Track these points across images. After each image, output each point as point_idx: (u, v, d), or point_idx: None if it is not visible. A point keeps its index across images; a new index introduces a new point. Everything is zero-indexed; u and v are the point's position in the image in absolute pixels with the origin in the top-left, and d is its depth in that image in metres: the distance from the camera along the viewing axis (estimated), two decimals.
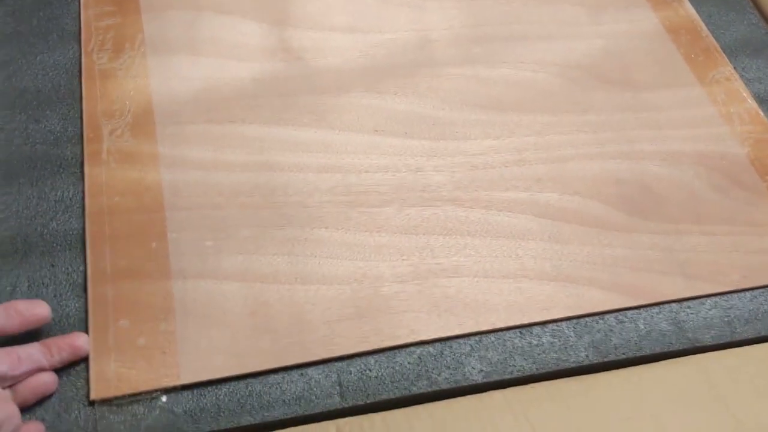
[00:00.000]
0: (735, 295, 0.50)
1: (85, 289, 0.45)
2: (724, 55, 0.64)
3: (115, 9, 0.59)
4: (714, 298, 0.50)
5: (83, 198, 0.49)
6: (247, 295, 0.46)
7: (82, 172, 0.50)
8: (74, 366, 0.43)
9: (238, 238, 0.48)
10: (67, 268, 0.46)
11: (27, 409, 0.41)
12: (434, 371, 0.45)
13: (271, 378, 0.44)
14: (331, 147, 0.54)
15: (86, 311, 0.44)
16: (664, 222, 0.53)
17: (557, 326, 0.48)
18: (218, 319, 0.45)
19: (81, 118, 0.52)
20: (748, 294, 0.50)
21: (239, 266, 0.47)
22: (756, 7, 0.69)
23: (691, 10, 0.67)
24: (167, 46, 0.57)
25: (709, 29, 0.66)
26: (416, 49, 0.60)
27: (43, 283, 0.45)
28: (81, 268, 0.46)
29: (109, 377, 0.42)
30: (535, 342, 0.47)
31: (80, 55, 0.56)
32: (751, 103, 0.61)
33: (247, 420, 0.42)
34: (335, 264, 0.48)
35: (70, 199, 0.49)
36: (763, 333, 0.49)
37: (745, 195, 0.55)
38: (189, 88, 0.55)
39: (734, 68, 0.63)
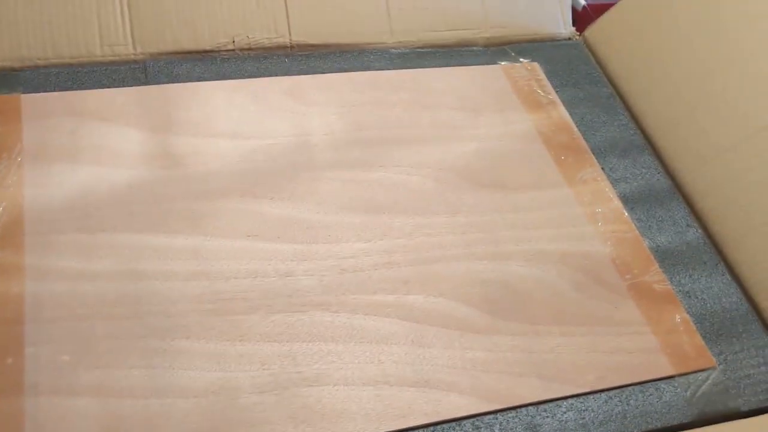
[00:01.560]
0: (590, 397, 0.52)
1: None
2: (592, 155, 0.68)
3: None
4: (570, 400, 0.52)
5: None
6: (100, 412, 0.46)
7: None
8: None
9: (97, 351, 0.48)
10: None
11: None
12: None
13: None
14: (201, 254, 0.55)
15: None
16: (525, 323, 0.55)
17: None
18: None
19: None
20: (603, 395, 0.52)
21: (95, 381, 0.47)
22: (626, 108, 0.73)
23: (564, 113, 0.71)
24: (46, 155, 0.58)
25: (580, 130, 0.70)
26: (296, 152, 0.63)
27: None
28: None
29: None
30: None
31: None
32: (616, 202, 0.64)
33: None
34: (193, 376, 0.48)
35: None
36: None
37: (605, 294, 0.58)
38: (64, 197, 0.56)
39: (602, 168, 0.67)
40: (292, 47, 0.70)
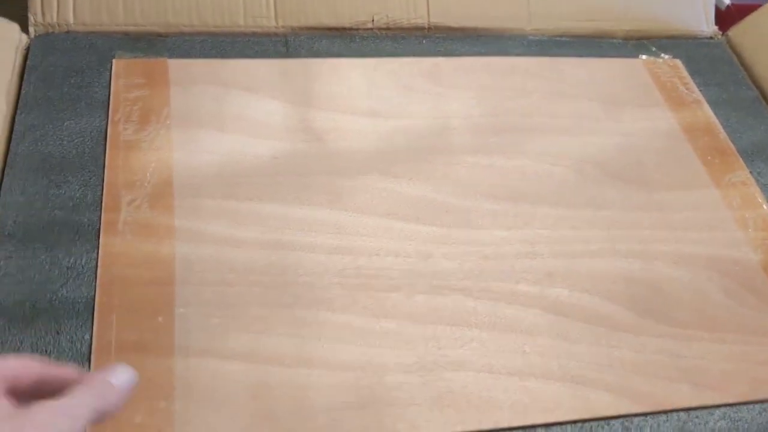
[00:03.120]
0: (744, 407, 0.49)
1: (88, 359, 0.45)
2: (740, 158, 0.64)
3: (145, 81, 0.60)
4: (723, 409, 0.49)
5: (96, 267, 0.49)
6: (249, 378, 0.46)
7: (98, 240, 0.50)
8: None
9: (246, 316, 0.48)
10: (72, 337, 0.46)
11: None
12: None
13: None
14: (343, 228, 0.54)
15: None
16: (674, 326, 0.52)
17: (562, 429, 0.47)
18: (219, 402, 0.44)
19: (102, 186, 0.53)
20: (757, 407, 0.49)
21: (245, 346, 0.47)
22: None
23: (709, 112, 0.68)
24: (193, 121, 0.58)
25: (726, 132, 0.67)
26: (434, 135, 0.61)
27: (46, 351, 0.45)
28: (86, 337, 0.46)
29: None
30: None
31: (107, 124, 0.57)
32: (766, 208, 0.61)
33: None
34: (340, 349, 0.48)
35: (83, 266, 0.49)
36: None
37: (757, 303, 0.55)
38: (210, 163, 0.56)
39: (750, 173, 0.63)
40: (429, 29, 0.69)
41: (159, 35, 0.64)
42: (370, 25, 0.68)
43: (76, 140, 0.56)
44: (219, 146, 0.57)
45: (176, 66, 0.62)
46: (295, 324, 0.48)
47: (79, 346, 0.46)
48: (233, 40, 0.65)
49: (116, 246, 0.50)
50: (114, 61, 0.61)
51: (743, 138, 0.67)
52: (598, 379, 0.49)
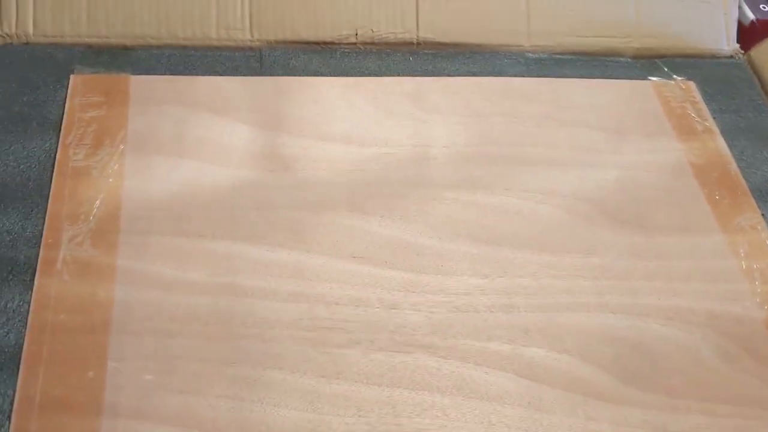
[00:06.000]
0: None
1: (8, 417, 0.42)
2: (753, 198, 0.58)
3: (103, 99, 0.56)
4: None
5: (28, 311, 0.46)
6: None
7: (33, 281, 0.47)
8: None
9: (183, 373, 0.44)
10: None
11: None
12: None
13: None
14: (302, 272, 0.50)
15: None
16: (661, 394, 0.47)
17: None
18: None
19: (44, 219, 0.50)
20: None
21: (177, 407, 0.43)
22: None
23: (722, 144, 0.62)
24: (150, 145, 0.54)
25: (739, 166, 0.60)
26: (412, 166, 0.57)
27: None
28: (9, 393, 0.43)
29: None
30: None
31: (57, 147, 0.53)
32: None
33: None
34: (282, 415, 0.43)
35: (14, 311, 0.46)
36: None
37: (758, 369, 0.49)
38: (163, 193, 0.52)
39: (762, 215, 0.57)
40: (418, 44, 0.64)
41: (124, 47, 0.60)
42: (353, 40, 0.63)
43: (21, 166, 0.52)
44: (175, 174, 0.53)
45: (138, 83, 0.58)
46: (236, 383, 0.44)
47: (0, 402, 0.43)
48: (203, 54, 0.61)
49: (52, 287, 0.47)
50: (72, 76, 0.57)
51: (758, 174, 0.60)
52: None
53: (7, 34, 0.59)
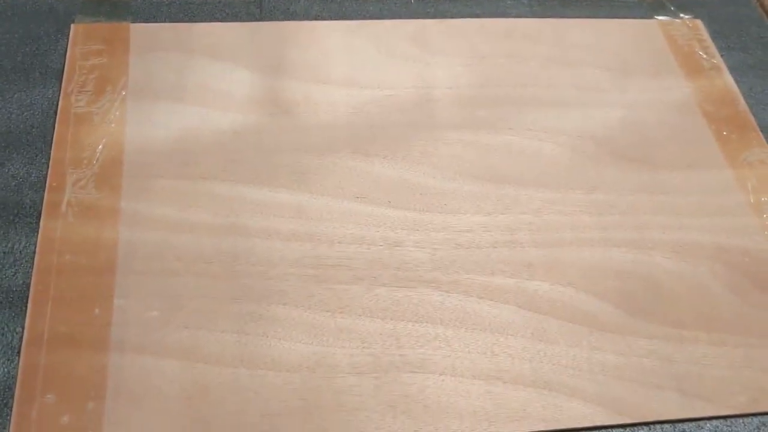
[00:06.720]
0: (740, 421, 0.44)
1: (18, 353, 0.43)
2: (761, 134, 0.58)
3: (104, 48, 0.56)
4: (715, 422, 0.44)
5: (34, 252, 0.46)
6: (186, 377, 0.42)
7: (38, 223, 0.47)
8: None
9: (187, 309, 0.45)
10: (3, 329, 0.43)
11: None
12: None
13: None
14: (305, 213, 0.50)
15: (15, 378, 0.42)
16: (668, 325, 0.47)
17: None
18: (152, 403, 0.41)
19: (47, 164, 0.50)
20: (755, 420, 0.44)
21: (183, 342, 0.43)
22: None
23: (730, 80, 0.61)
24: (150, 91, 0.54)
25: (747, 103, 0.59)
26: (414, 108, 0.56)
27: None
28: (18, 329, 0.43)
29: None
30: None
31: (59, 95, 0.53)
32: None
33: None
34: (288, 347, 0.44)
35: (20, 252, 0.46)
36: None
37: (766, 300, 0.49)
38: (165, 138, 0.52)
39: None
40: None
41: None
42: None
43: (25, 113, 0.52)
44: (176, 120, 0.53)
45: (138, 31, 0.58)
46: (240, 319, 0.45)
47: (9, 339, 0.43)
48: (203, 2, 0.60)
49: (57, 230, 0.47)
50: (72, 25, 0.57)
51: (766, 111, 0.59)
52: (574, 385, 0.44)
53: None
